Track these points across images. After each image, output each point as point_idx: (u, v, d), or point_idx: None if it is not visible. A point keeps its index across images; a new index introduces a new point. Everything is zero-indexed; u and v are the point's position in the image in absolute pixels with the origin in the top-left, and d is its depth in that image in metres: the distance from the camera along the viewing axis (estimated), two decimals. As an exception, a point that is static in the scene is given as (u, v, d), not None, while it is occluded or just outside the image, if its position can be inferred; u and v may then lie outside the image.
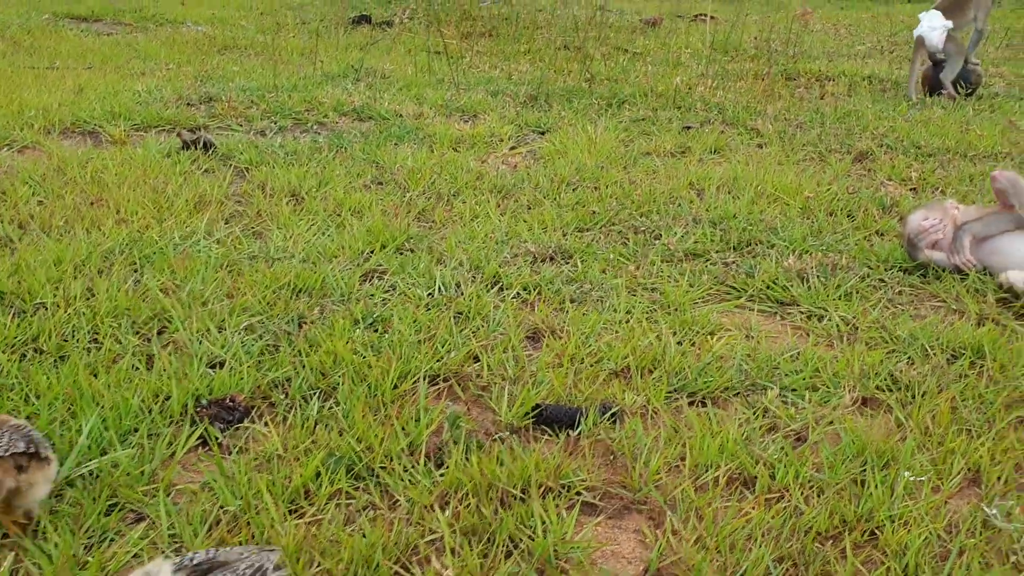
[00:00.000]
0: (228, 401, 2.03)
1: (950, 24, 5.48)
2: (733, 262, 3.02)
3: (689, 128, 4.75)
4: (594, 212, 3.37)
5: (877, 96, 5.75)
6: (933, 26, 5.51)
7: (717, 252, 3.09)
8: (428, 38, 7.28)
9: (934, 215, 3.08)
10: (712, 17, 9.05)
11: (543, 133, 4.66)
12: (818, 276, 2.87)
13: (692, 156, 4.30)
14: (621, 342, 2.40)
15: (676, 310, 2.64)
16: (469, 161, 4.03)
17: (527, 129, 4.71)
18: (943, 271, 2.97)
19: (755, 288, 2.81)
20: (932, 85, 5.66)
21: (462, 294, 2.64)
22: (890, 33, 8.57)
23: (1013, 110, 5.35)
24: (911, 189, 3.97)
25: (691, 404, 2.17)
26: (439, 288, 2.68)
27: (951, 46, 5.50)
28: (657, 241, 3.15)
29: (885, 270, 3.00)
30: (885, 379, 2.28)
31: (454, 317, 2.49)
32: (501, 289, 2.74)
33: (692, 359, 2.34)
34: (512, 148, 4.40)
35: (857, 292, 2.82)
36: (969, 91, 5.57)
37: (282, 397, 2.07)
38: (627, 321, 2.54)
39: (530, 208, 3.47)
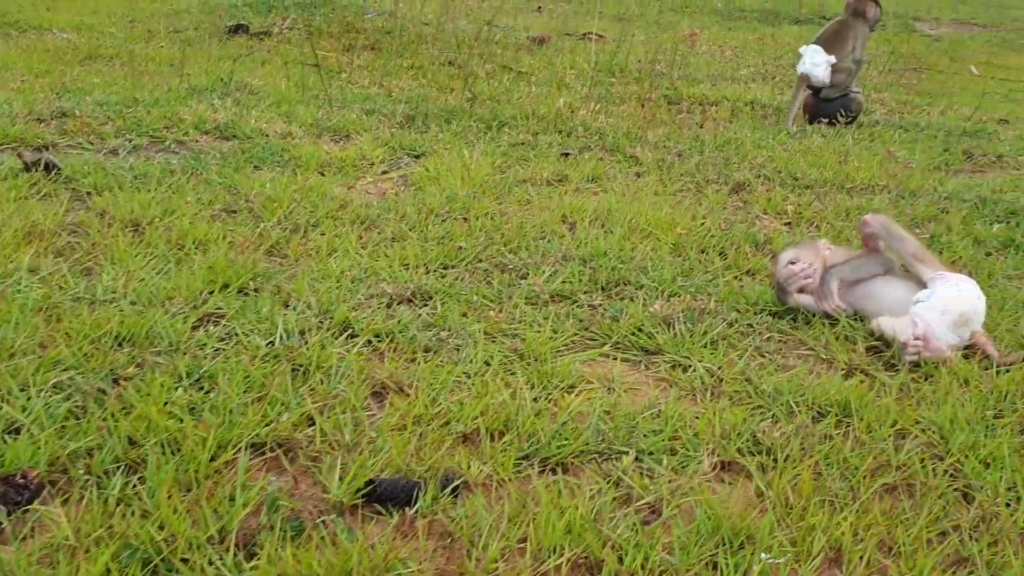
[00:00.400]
0: (19, 478, 1.79)
1: (833, 59, 5.50)
2: (600, 305, 2.89)
3: (568, 155, 4.63)
4: (460, 247, 3.20)
5: (758, 123, 5.73)
6: (816, 63, 5.52)
7: (584, 293, 2.95)
8: (306, 50, 7.03)
9: (805, 256, 3.00)
10: (600, 36, 9.00)
11: (418, 157, 4.48)
12: (685, 322, 2.75)
13: (569, 185, 4.17)
14: (473, 399, 2.23)
15: (536, 360, 2.49)
16: (334, 187, 3.82)
17: (401, 152, 4.52)
18: (813, 316, 2.89)
19: (620, 334, 2.68)
20: (813, 113, 5.67)
21: (305, 343, 2.44)
22: (775, 56, 8.65)
23: (892, 139, 5.38)
24: (786, 223, 3.92)
25: (542, 472, 2.01)
26: (281, 336, 2.47)
27: (841, 76, 5.52)
28: (523, 281, 3.00)
29: (754, 314, 2.90)
30: (747, 440, 2.17)
31: (292, 371, 2.29)
32: (350, 336, 2.54)
33: (547, 419, 2.18)
34: (383, 173, 4.21)
35: (724, 339, 2.71)
36: (850, 119, 5.59)
37: (82, 472, 1.84)
38: (483, 374, 2.38)
39: (394, 242, 3.29)
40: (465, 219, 3.54)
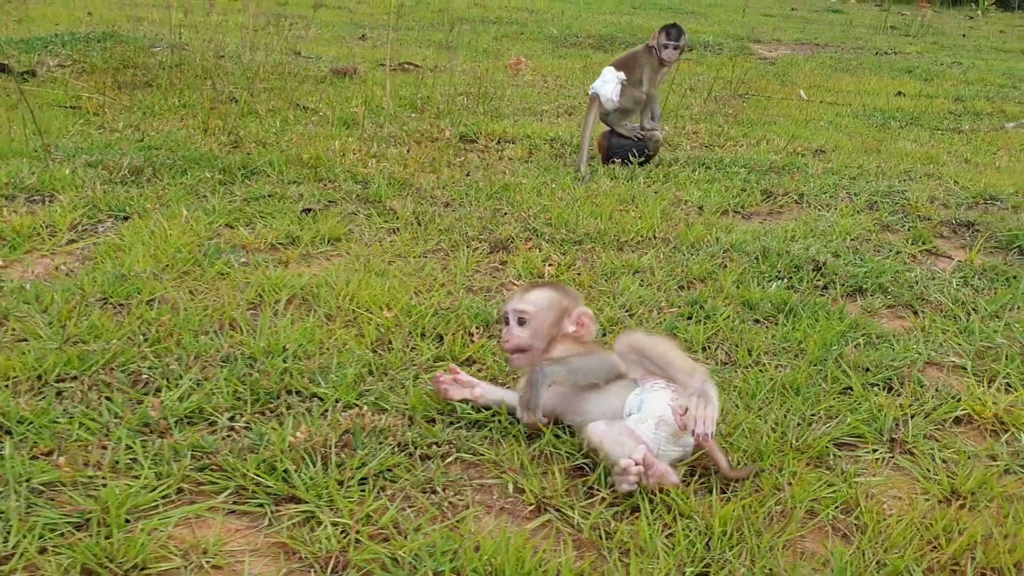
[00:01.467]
0: None
1: (622, 75, 5.02)
2: (244, 428, 2.27)
3: (310, 211, 4.01)
4: (89, 351, 2.54)
5: (552, 163, 5.22)
6: (605, 79, 5.04)
7: (227, 413, 2.32)
8: (69, 91, 6.27)
9: (538, 320, 2.40)
10: (416, 66, 8.45)
11: (126, 219, 3.80)
12: (337, 452, 2.15)
13: (294, 250, 3.55)
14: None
15: (105, 526, 1.85)
16: (-16, 268, 3.12)
17: (107, 213, 3.84)
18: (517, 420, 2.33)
19: (248, 475, 2.06)
20: (606, 152, 5.19)
21: None
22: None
23: (688, 180, 4.93)
24: (539, 290, 3.36)
25: None
26: None
27: (629, 101, 5.04)
28: (150, 398, 2.36)
29: (446, 426, 2.33)
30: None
31: None
32: None
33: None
34: (71, 243, 3.52)
35: (384, 473, 2.12)
36: (644, 159, 5.12)
37: None
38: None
39: (17, 343, 2.61)
40: (122, 306, 2.88)
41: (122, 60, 7.17)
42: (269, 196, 4.22)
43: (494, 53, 9.81)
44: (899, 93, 9.05)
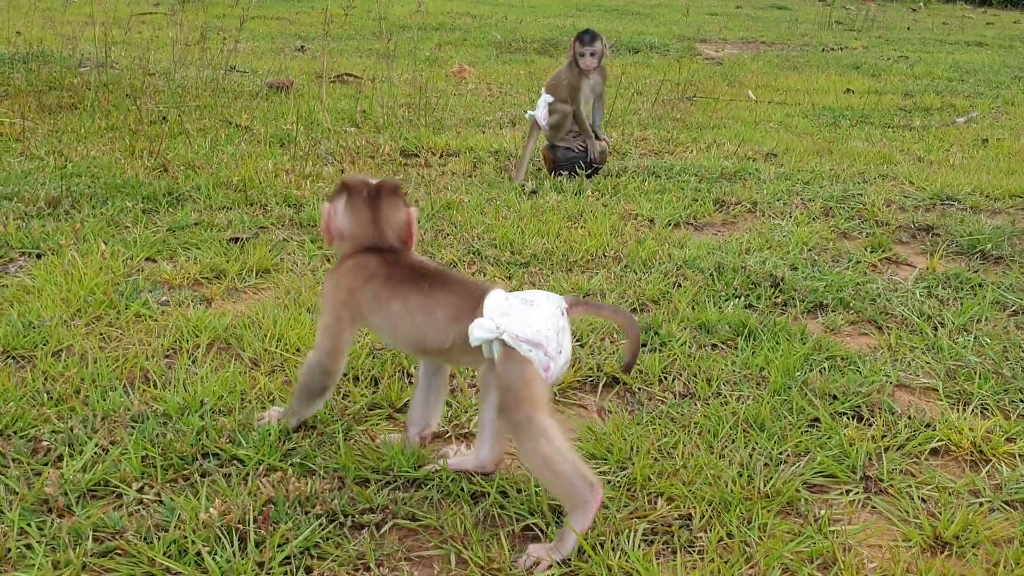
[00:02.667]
0: None
1: (550, 98, 4.85)
2: (155, 501, 2.03)
3: (238, 240, 3.77)
4: (-17, 418, 2.29)
5: (496, 177, 5.01)
6: (539, 104, 4.88)
7: (135, 483, 2.08)
8: (-13, 114, 5.95)
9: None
10: (356, 77, 8.20)
11: (40, 256, 3.53)
12: (257, 528, 1.92)
13: (219, 285, 3.31)
14: None
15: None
16: None
17: (19, 252, 3.57)
18: (458, 475, 2.12)
19: (155, 561, 1.82)
20: (552, 164, 4.99)
21: None
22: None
23: (638, 191, 4.74)
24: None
25: None
26: None
27: (556, 117, 4.86)
28: (49, 469, 2.11)
29: (399, 489, 2.10)
30: None
31: None
32: None
33: None
34: (-25, 286, 3.25)
35: (311, 550, 1.89)
36: (591, 171, 4.93)
37: None
38: None
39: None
40: (27, 361, 2.62)
41: (48, 82, 6.84)
42: (195, 225, 3.98)
43: (437, 61, 9.59)
44: (848, 90, 8.97)
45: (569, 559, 1.87)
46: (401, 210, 2.21)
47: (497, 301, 2.00)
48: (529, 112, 5.02)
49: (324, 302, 2.24)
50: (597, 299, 3.30)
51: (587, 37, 4.93)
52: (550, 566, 1.85)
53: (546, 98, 4.87)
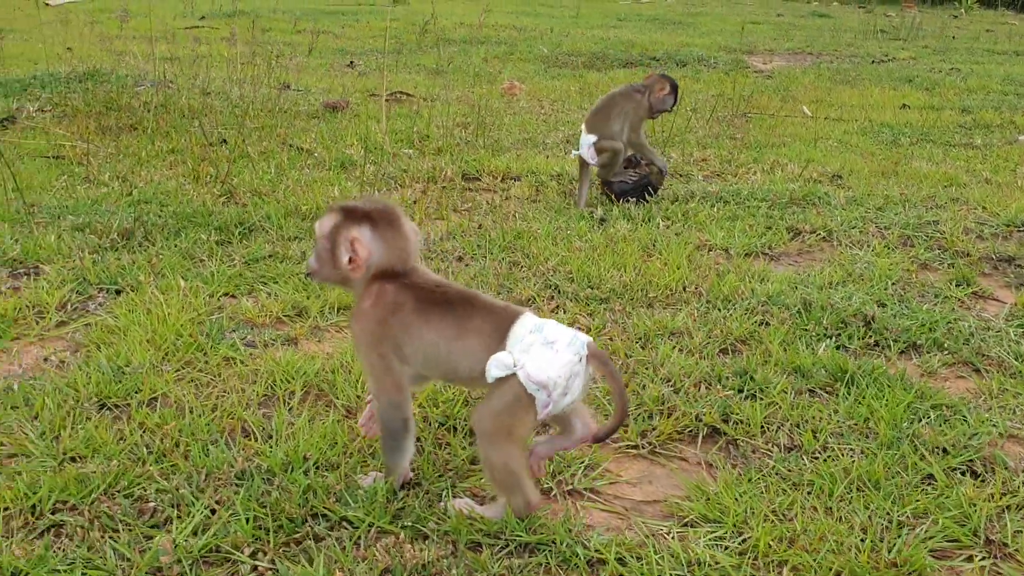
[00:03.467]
0: None
1: (593, 138, 4.79)
2: (270, 570, 1.99)
3: (312, 275, 3.72)
4: (88, 473, 2.26)
5: (561, 204, 4.96)
6: (583, 142, 4.83)
7: (248, 548, 2.05)
8: (50, 138, 5.98)
9: None
10: (408, 95, 8.19)
11: (119, 292, 3.52)
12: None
13: (302, 324, 3.28)
14: None
15: None
16: (-35, 365, 2.84)
17: (98, 288, 3.56)
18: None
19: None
20: (614, 194, 4.94)
21: None
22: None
23: (708, 218, 4.67)
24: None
25: None
26: None
27: (606, 157, 4.82)
28: (158, 531, 2.07)
29: (494, 551, 2.05)
30: None
31: None
32: None
33: None
34: (60, 325, 3.24)
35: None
36: (652, 193, 4.88)
37: None
38: None
39: (5, 464, 2.33)
40: (122, 411, 2.60)
41: (105, 102, 6.86)
42: (270, 257, 3.95)
43: (487, 77, 9.55)
44: (904, 106, 8.84)
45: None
46: (408, 226, 2.18)
47: (521, 335, 2.01)
48: (574, 152, 4.99)
49: (360, 346, 2.19)
50: (683, 337, 3.24)
51: (678, 86, 4.95)
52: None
53: (588, 139, 4.80)
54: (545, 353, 1.99)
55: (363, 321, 2.14)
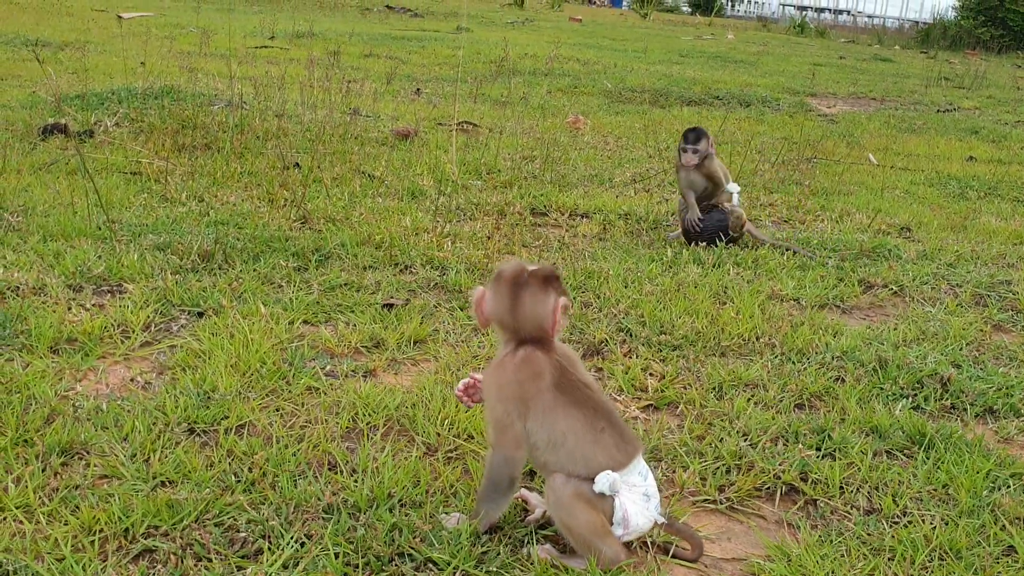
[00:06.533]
0: None
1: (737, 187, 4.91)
2: (357, 604, 2.03)
3: (391, 306, 3.79)
4: (179, 500, 2.31)
5: (630, 244, 4.99)
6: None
7: (337, 584, 2.08)
8: (128, 154, 6.12)
9: None
10: (475, 125, 8.27)
11: (201, 315, 3.60)
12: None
13: (380, 356, 3.33)
14: None
15: None
16: (54, 382, 2.91)
17: (180, 309, 3.63)
18: None
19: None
20: (688, 231, 4.96)
21: None
22: (659, 148, 7.97)
23: (779, 267, 4.67)
24: (645, 407, 3.13)
25: None
26: None
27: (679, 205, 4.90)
28: (249, 562, 2.12)
29: None
30: None
31: None
32: None
33: None
34: (144, 345, 3.32)
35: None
36: (730, 239, 4.89)
37: None
38: None
39: (100, 480, 2.39)
40: (209, 437, 2.66)
41: (181, 120, 7.00)
42: (345, 286, 4.01)
43: (551, 110, 9.62)
44: (971, 158, 8.77)
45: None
46: (550, 299, 2.20)
47: (634, 477, 2.17)
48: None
49: (490, 395, 2.23)
50: (758, 390, 3.24)
51: (691, 135, 4.88)
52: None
53: (735, 187, 5.04)
54: (639, 500, 2.17)
55: (500, 375, 2.21)
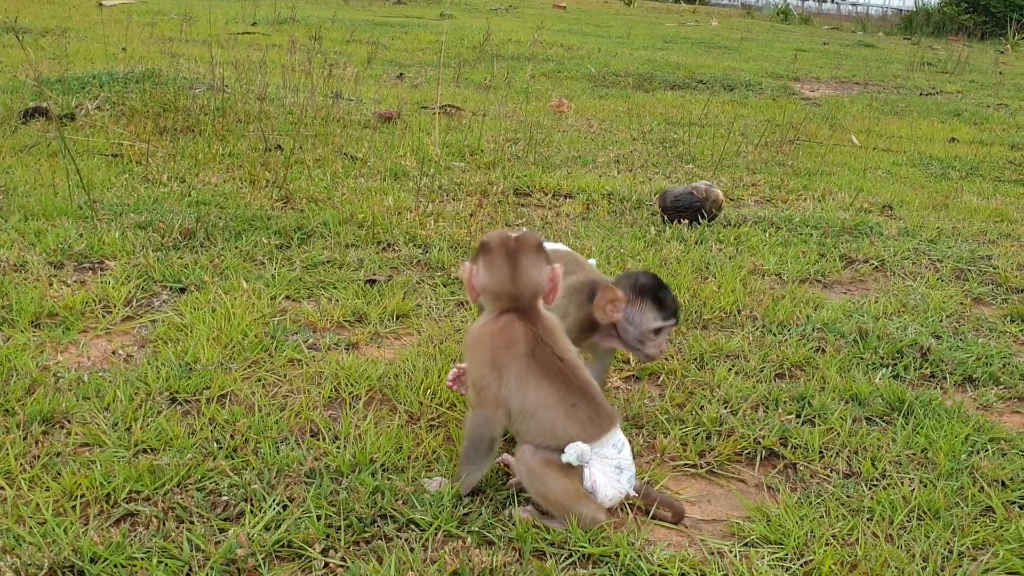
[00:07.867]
0: None
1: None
2: (341, 567, 2.04)
3: (374, 282, 3.79)
4: (161, 465, 2.31)
5: (613, 223, 4.99)
6: None
7: (319, 545, 2.09)
8: (110, 137, 6.09)
9: None
10: (458, 109, 8.26)
11: (183, 291, 3.59)
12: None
13: (362, 329, 3.33)
14: None
15: None
16: (36, 354, 2.91)
17: (162, 285, 3.62)
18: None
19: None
20: (667, 209, 4.97)
21: None
22: (643, 131, 7.98)
23: (761, 243, 4.69)
24: (627, 377, 3.14)
25: None
26: None
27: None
28: (231, 525, 2.12)
29: (558, 561, 2.08)
30: None
31: None
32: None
33: None
34: (125, 320, 3.31)
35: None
36: (710, 218, 4.90)
37: None
38: None
39: (82, 448, 2.39)
40: (192, 406, 2.66)
41: (162, 103, 6.97)
42: (328, 263, 4.01)
43: (535, 94, 9.62)
44: (952, 139, 8.82)
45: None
46: (543, 267, 2.21)
47: (606, 450, 2.16)
48: None
49: (469, 358, 2.25)
50: (739, 360, 3.26)
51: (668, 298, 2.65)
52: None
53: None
54: (611, 473, 2.17)
55: (477, 340, 2.23)
